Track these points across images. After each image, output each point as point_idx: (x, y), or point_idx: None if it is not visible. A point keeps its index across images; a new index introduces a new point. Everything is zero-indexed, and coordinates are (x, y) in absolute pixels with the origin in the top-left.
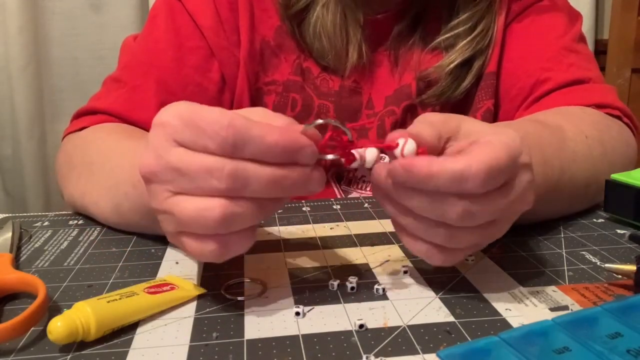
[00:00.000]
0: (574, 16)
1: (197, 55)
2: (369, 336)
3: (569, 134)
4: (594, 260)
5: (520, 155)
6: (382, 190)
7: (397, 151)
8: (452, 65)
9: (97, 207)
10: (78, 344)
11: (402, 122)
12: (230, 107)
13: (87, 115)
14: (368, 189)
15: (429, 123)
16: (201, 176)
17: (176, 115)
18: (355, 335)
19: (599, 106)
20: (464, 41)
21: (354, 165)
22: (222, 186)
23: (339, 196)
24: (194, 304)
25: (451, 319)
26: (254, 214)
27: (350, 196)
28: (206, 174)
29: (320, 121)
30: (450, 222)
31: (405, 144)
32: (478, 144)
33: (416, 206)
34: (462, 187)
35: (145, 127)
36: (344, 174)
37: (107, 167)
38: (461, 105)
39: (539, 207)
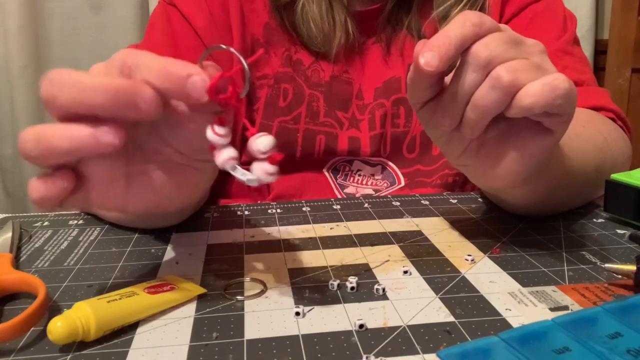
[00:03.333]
0: (569, 18)
1: (194, 53)
2: (369, 336)
3: (575, 127)
4: (594, 260)
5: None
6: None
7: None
8: None
9: None
10: (78, 344)
11: (393, 116)
12: None
13: None
14: (364, 182)
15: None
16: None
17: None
18: (355, 335)
19: (594, 109)
20: (456, 9)
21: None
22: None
23: (335, 190)
24: (194, 304)
25: (451, 319)
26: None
27: (347, 191)
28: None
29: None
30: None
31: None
32: None
33: (465, 72)
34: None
35: None
36: (340, 168)
37: None
38: None
39: (555, 193)
